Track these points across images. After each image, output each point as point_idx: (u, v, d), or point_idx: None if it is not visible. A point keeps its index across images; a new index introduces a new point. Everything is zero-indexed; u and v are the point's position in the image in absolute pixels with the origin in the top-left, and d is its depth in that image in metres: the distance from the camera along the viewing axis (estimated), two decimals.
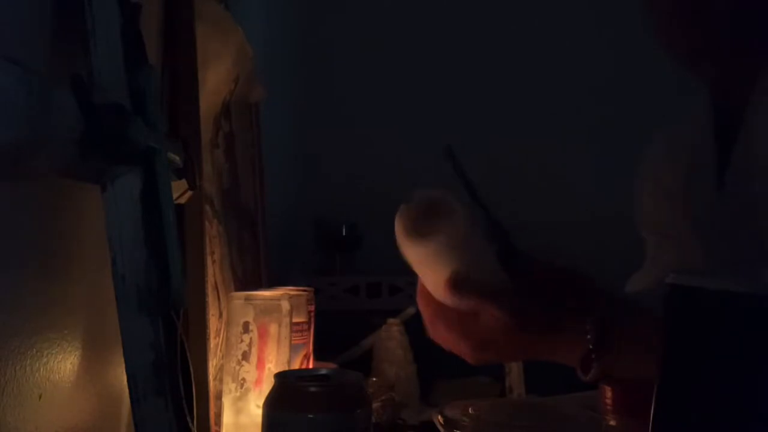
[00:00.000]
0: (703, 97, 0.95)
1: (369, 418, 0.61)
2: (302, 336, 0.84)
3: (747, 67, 0.87)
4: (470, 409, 0.87)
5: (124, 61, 0.56)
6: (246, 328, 0.79)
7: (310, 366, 0.86)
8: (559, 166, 1.98)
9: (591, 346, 0.73)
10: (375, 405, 0.93)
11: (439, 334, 0.75)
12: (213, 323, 0.85)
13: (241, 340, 0.79)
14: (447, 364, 1.18)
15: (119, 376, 0.65)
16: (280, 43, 1.92)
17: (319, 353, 0.91)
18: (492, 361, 0.78)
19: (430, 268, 0.73)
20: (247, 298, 0.81)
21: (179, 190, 0.75)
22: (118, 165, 0.54)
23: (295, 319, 0.82)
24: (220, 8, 0.97)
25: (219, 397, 0.82)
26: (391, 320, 1.24)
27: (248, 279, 1.10)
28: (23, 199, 0.52)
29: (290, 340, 0.80)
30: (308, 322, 0.85)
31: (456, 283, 0.71)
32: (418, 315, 0.79)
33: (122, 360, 0.55)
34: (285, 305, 0.80)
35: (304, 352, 0.84)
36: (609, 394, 0.81)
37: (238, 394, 0.78)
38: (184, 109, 0.82)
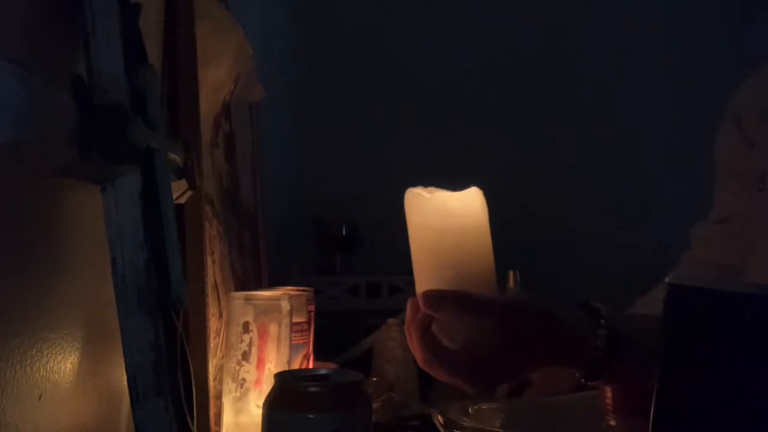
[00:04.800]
0: None
1: (369, 418, 0.61)
2: (302, 336, 0.84)
3: None
4: (470, 409, 0.87)
5: (124, 61, 0.56)
6: (246, 328, 0.79)
7: (310, 366, 0.86)
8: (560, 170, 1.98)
9: (601, 354, 0.70)
10: (375, 405, 0.93)
11: (440, 373, 0.71)
12: (213, 323, 0.85)
13: (241, 340, 0.79)
14: None
15: (119, 376, 0.65)
16: (280, 43, 1.92)
17: (319, 353, 0.91)
18: (501, 382, 0.75)
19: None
20: (247, 298, 0.81)
21: (179, 190, 0.75)
22: (118, 165, 0.54)
23: (295, 319, 0.82)
24: (220, 8, 0.97)
25: (219, 397, 0.82)
26: (391, 320, 1.24)
27: (248, 279, 1.10)
28: (23, 199, 0.52)
29: (290, 340, 0.80)
30: (308, 322, 0.85)
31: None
32: None
33: (122, 360, 0.55)
34: (285, 305, 0.80)
35: (304, 352, 0.84)
36: (609, 394, 0.81)
37: (238, 394, 0.78)
38: (184, 109, 0.82)
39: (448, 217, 0.70)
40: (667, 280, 0.49)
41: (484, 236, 0.71)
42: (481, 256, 0.71)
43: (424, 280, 0.72)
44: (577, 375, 0.75)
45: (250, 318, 0.79)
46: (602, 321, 0.71)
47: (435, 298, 0.70)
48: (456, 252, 0.70)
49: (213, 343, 0.85)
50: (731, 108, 0.95)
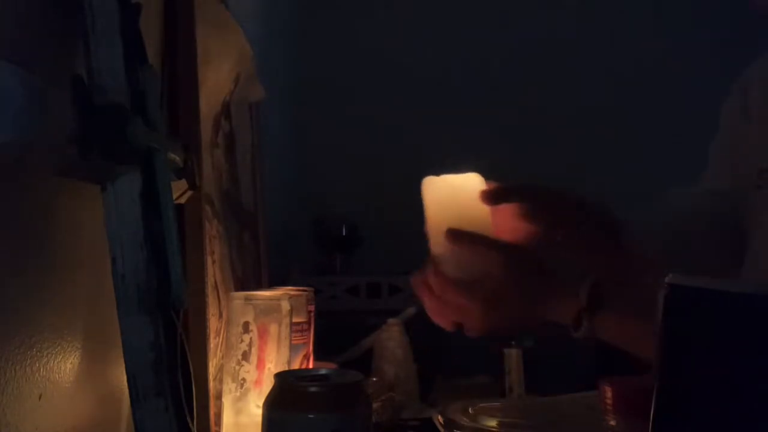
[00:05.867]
0: None
1: (369, 418, 0.61)
2: (302, 336, 0.83)
3: None
4: (470, 409, 0.87)
5: (124, 61, 0.56)
6: (246, 328, 0.79)
7: (310, 366, 0.86)
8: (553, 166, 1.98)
9: (583, 304, 0.76)
10: (375, 405, 0.92)
11: (445, 312, 0.82)
12: (213, 323, 0.85)
13: (241, 340, 0.79)
14: (447, 364, 1.19)
15: (119, 376, 0.65)
16: (280, 43, 1.92)
17: (319, 353, 0.91)
18: (499, 326, 0.84)
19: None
20: (247, 298, 0.81)
21: (179, 190, 0.75)
22: (118, 165, 0.54)
23: (295, 319, 0.82)
24: (220, 8, 0.97)
25: (219, 397, 0.82)
26: (391, 320, 1.24)
27: (248, 279, 1.10)
28: (23, 199, 0.52)
29: (290, 340, 0.80)
30: (308, 322, 0.85)
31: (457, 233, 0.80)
32: (418, 315, 0.80)
33: (122, 360, 0.55)
34: (285, 305, 0.80)
35: (304, 352, 0.84)
36: (609, 394, 0.81)
37: (238, 394, 0.78)
38: (184, 109, 0.82)
39: (452, 190, 0.86)
40: (666, 280, 0.49)
41: (482, 208, 0.85)
42: (479, 223, 0.84)
43: (434, 242, 0.84)
44: (566, 327, 0.80)
45: (250, 318, 0.79)
46: (588, 276, 0.77)
47: (456, 233, 0.81)
48: (459, 218, 0.84)
49: (213, 343, 0.85)
50: (742, 81, 0.95)
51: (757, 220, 0.86)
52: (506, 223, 0.84)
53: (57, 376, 0.57)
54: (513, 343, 1.16)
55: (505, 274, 0.79)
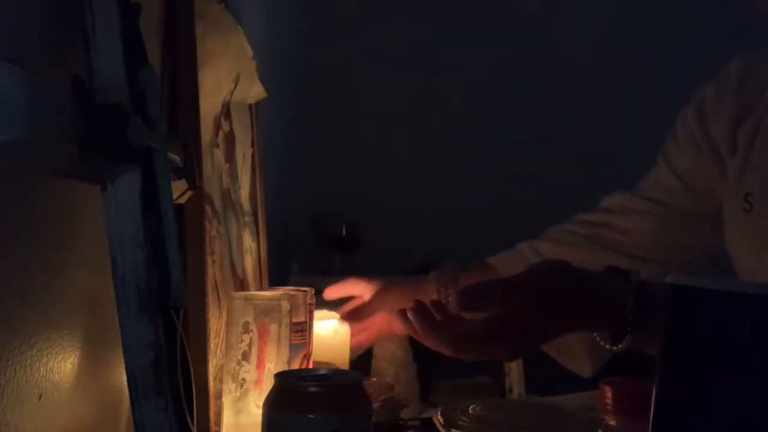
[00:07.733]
0: None
1: (369, 418, 0.61)
2: (302, 336, 0.83)
3: None
4: (470, 409, 0.87)
5: (124, 61, 0.56)
6: (246, 328, 0.79)
7: (310, 366, 0.86)
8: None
9: (629, 317, 0.68)
10: (375, 405, 0.93)
11: (470, 352, 0.73)
12: (213, 323, 0.85)
13: (241, 340, 0.79)
14: (447, 364, 1.19)
15: (119, 376, 0.65)
16: (280, 42, 1.92)
17: None
18: (535, 345, 0.75)
19: None
20: (247, 298, 0.81)
21: (179, 190, 0.75)
22: (118, 165, 0.54)
23: (295, 319, 0.82)
24: (220, 8, 0.97)
25: (219, 397, 0.82)
26: None
27: (248, 279, 1.10)
28: (23, 198, 0.52)
29: (290, 340, 0.80)
30: (308, 322, 0.85)
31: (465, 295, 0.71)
32: None
33: (122, 360, 0.55)
34: (285, 305, 0.80)
35: (304, 352, 0.84)
36: (609, 394, 0.81)
37: (238, 394, 0.78)
38: (184, 109, 0.82)
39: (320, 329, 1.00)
40: (667, 280, 0.49)
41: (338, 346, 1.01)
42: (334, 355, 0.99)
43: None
44: (601, 342, 0.74)
45: (250, 318, 0.79)
46: (631, 280, 0.70)
47: (469, 297, 0.71)
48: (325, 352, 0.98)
49: (213, 343, 0.85)
50: (698, 98, 0.95)
51: (756, 244, 0.84)
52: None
53: (57, 376, 0.57)
54: None
55: (533, 304, 0.70)
